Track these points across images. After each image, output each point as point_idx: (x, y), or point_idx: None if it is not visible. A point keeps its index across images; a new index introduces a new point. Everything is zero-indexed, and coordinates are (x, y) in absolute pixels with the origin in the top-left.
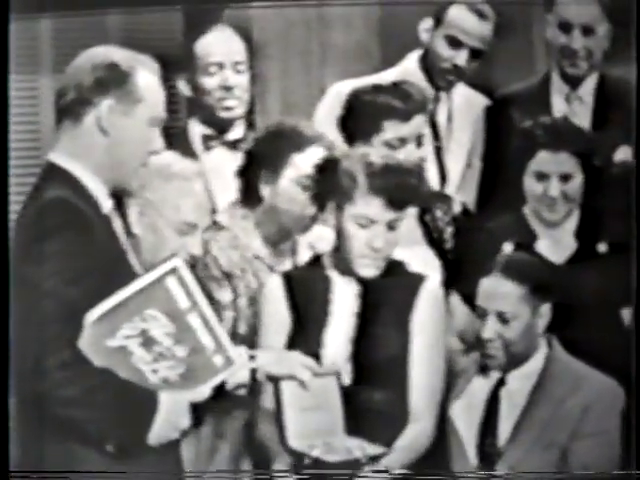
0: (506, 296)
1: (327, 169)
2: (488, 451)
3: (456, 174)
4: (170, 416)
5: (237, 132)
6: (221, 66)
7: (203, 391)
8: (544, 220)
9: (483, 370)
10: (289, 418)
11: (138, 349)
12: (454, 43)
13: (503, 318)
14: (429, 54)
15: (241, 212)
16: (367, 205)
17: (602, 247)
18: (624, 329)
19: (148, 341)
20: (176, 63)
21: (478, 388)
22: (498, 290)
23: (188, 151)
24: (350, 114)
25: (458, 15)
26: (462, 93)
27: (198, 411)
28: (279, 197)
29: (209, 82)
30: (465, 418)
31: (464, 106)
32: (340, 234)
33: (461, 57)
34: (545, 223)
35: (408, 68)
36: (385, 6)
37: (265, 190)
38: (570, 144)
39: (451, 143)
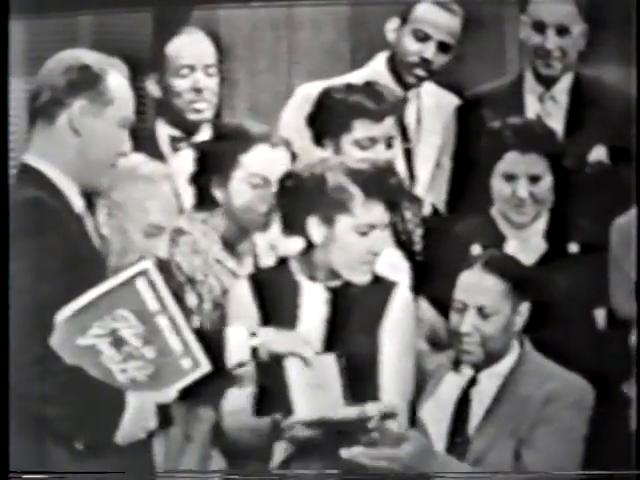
0: (488, 290)
1: (295, 185)
2: (457, 450)
3: (425, 175)
4: (137, 416)
5: (204, 134)
6: (192, 68)
7: (170, 393)
8: (512, 222)
9: (456, 366)
10: (296, 395)
11: (108, 348)
12: (421, 37)
13: (483, 313)
14: (397, 53)
15: (200, 216)
16: (368, 213)
17: (573, 247)
18: (597, 330)
19: (118, 341)
20: (144, 64)
21: (447, 389)
22: (480, 284)
23: (155, 152)
24: (320, 111)
25: (425, 10)
26: (431, 93)
27: (165, 413)
28: (232, 199)
29: (180, 84)
30: (434, 419)
31: (434, 106)
32: (329, 245)
33: (429, 50)
34: (513, 225)
35: (376, 69)
36: (354, 6)
37: (217, 193)
38: (539, 145)
39: (420, 144)
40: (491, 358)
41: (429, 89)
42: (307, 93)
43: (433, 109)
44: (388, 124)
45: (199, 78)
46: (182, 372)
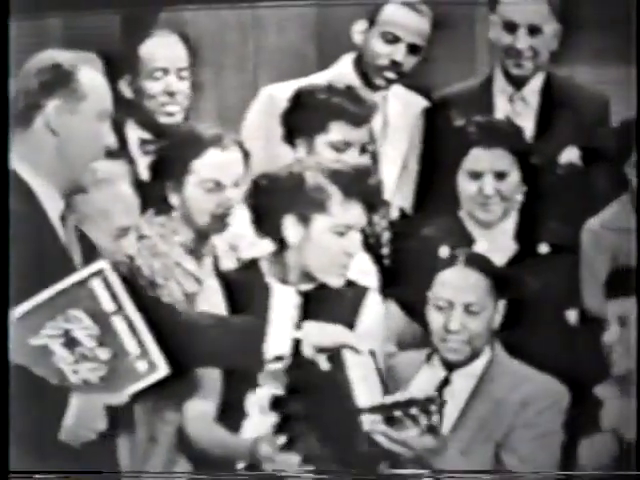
0: (474, 287)
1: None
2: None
3: (392, 178)
4: (85, 417)
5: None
6: (166, 71)
7: (122, 396)
8: (479, 221)
9: (430, 366)
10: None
11: (60, 349)
12: (390, 39)
13: (470, 310)
14: (365, 55)
15: (159, 220)
16: (345, 213)
17: (544, 248)
18: (569, 330)
19: (70, 341)
20: (115, 65)
21: (418, 390)
22: (465, 281)
23: (124, 154)
24: (296, 110)
25: (393, 12)
26: (399, 96)
27: (116, 415)
28: (187, 204)
29: (153, 86)
30: None
31: (401, 108)
32: (304, 245)
33: (399, 52)
34: (480, 224)
35: (342, 70)
36: (320, 8)
37: (173, 199)
38: (504, 141)
39: (387, 146)
40: (471, 357)
41: (397, 91)
42: (271, 94)
43: (400, 111)
44: (365, 130)
45: (172, 81)
46: (137, 375)
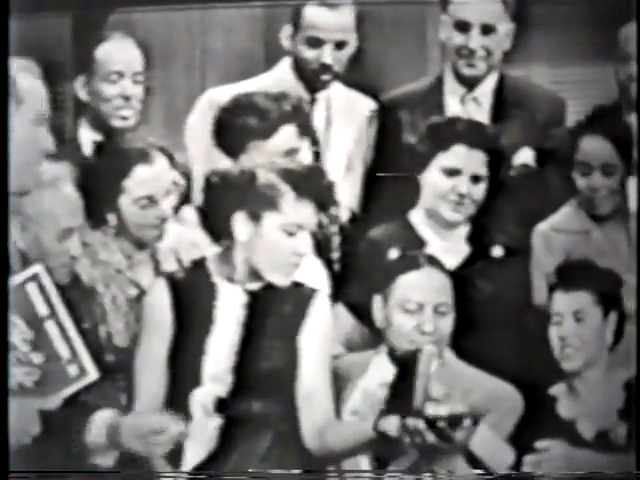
0: (443, 288)
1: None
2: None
3: (336, 179)
4: (21, 421)
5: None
6: (121, 75)
7: (54, 400)
8: (443, 220)
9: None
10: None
11: None
12: (315, 43)
13: (439, 311)
14: (298, 60)
15: (96, 233)
16: (297, 212)
17: (497, 251)
18: (521, 332)
19: None
20: (67, 67)
21: (368, 389)
22: (433, 282)
23: (77, 156)
24: (219, 136)
25: (313, 15)
26: (342, 95)
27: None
28: (124, 221)
29: (109, 90)
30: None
31: (344, 109)
32: (253, 243)
33: (326, 55)
34: (442, 224)
35: (282, 73)
36: (268, 9)
37: (109, 217)
38: (486, 144)
39: (330, 147)
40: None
41: (339, 91)
42: (211, 98)
43: (344, 111)
44: (283, 135)
45: (127, 85)
46: (68, 379)
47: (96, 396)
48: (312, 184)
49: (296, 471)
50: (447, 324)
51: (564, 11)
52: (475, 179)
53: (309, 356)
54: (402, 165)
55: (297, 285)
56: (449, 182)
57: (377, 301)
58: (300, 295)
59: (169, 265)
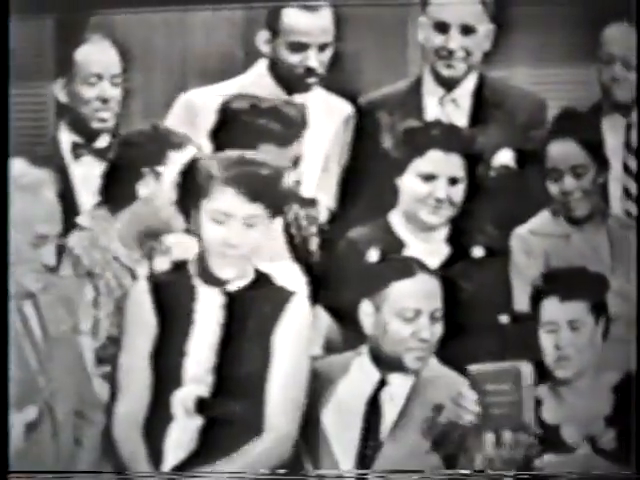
0: (437, 295)
1: (189, 171)
2: (368, 453)
3: (312, 181)
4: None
5: (104, 140)
6: (100, 77)
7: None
8: (422, 223)
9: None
10: None
11: None
12: (298, 47)
13: (434, 317)
14: (278, 66)
15: (102, 214)
16: (223, 197)
17: (478, 252)
18: (502, 335)
19: None
20: (47, 69)
21: (349, 393)
22: (430, 289)
23: (56, 158)
24: (223, 129)
25: (291, 18)
26: (320, 99)
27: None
28: (156, 195)
29: (88, 92)
30: (336, 422)
31: (322, 112)
32: (199, 236)
33: (311, 59)
34: (422, 227)
35: (259, 75)
36: (248, 10)
37: (144, 189)
38: (462, 146)
39: (308, 149)
40: None
41: (317, 94)
42: (189, 100)
43: (321, 115)
44: (295, 148)
45: (106, 88)
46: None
47: None
48: (241, 171)
49: (283, 471)
50: (439, 329)
51: (545, 12)
52: (453, 181)
53: (282, 359)
54: (380, 168)
55: (277, 287)
56: (426, 187)
57: (366, 306)
58: (280, 297)
59: (163, 263)
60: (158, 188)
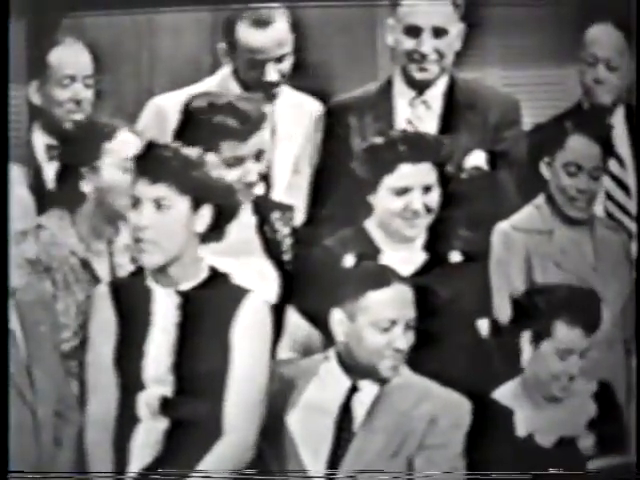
0: (411, 304)
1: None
2: (335, 459)
3: (282, 182)
4: None
5: None
6: (73, 79)
7: None
8: (400, 236)
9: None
10: None
11: None
12: (254, 64)
13: (409, 325)
14: (240, 71)
15: (59, 213)
16: (137, 184)
17: (455, 257)
18: (480, 341)
19: None
20: (20, 71)
21: (318, 398)
22: (404, 298)
23: (31, 160)
24: (185, 131)
25: (245, 36)
26: (288, 98)
27: None
28: (103, 185)
29: (61, 94)
30: (304, 426)
31: (291, 112)
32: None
33: (269, 72)
34: (400, 239)
35: (224, 80)
36: (215, 12)
37: (88, 185)
38: (430, 154)
39: (276, 150)
40: None
41: (285, 94)
42: (158, 105)
43: (291, 114)
44: (255, 141)
45: (79, 89)
46: None
47: None
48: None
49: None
50: (412, 338)
51: (520, 13)
52: (426, 189)
53: (239, 358)
54: (351, 172)
55: (234, 286)
56: (401, 201)
57: (337, 314)
58: (236, 296)
59: (123, 259)
60: (99, 182)
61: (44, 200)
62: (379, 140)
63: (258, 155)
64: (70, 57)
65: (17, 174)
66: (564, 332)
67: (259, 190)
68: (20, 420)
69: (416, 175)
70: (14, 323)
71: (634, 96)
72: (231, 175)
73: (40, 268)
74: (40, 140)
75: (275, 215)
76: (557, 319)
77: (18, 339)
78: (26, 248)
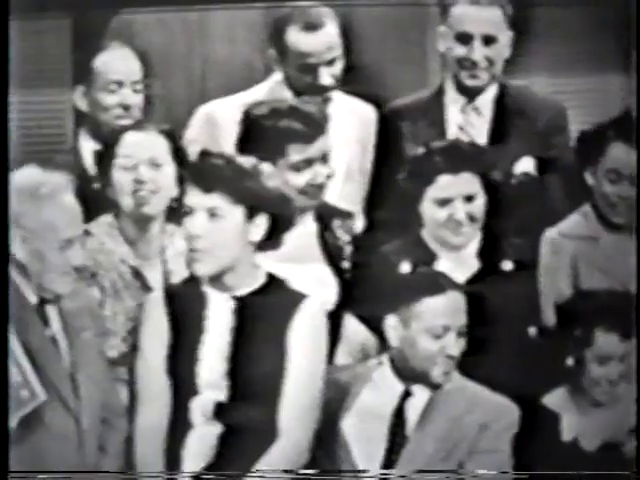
0: (462, 310)
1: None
2: (388, 463)
3: (335, 188)
4: None
5: None
6: (121, 84)
7: (10, 422)
8: (448, 244)
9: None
10: None
11: None
12: (307, 68)
13: (460, 332)
14: (292, 77)
15: (106, 220)
16: (191, 193)
17: (507, 265)
18: (529, 347)
19: None
20: (65, 76)
21: (372, 403)
22: (457, 305)
23: (77, 166)
24: (249, 139)
25: (295, 41)
26: (342, 103)
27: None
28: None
29: (109, 99)
30: (358, 431)
31: (345, 117)
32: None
33: (323, 77)
34: (448, 247)
35: (275, 86)
36: (267, 17)
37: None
38: (470, 164)
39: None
40: None
41: (338, 99)
42: (207, 113)
43: (343, 120)
44: (321, 143)
45: (127, 94)
46: (21, 402)
47: None
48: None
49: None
50: (463, 344)
51: (567, 20)
52: (469, 199)
53: (296, 363)
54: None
55: (290, 291)
56: (444, 211)
57: (391, 320)
58: (293, 301)
59: (176, 265)
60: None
61: (91, 207)
62: (419, 152)
63: (324, 157)
64: (117, 62)
65: (62, 181)
66: (603, 337)
67: (329, 192)
68: (62, 428)
69: (456, 185)
70: (57, 330)
71: None
72: (300, 179)
73: (87, 275)
74: (87, 146)
75: (336, 222)
76: (597, 325)
77: (61, 346)
78: (72, 255)
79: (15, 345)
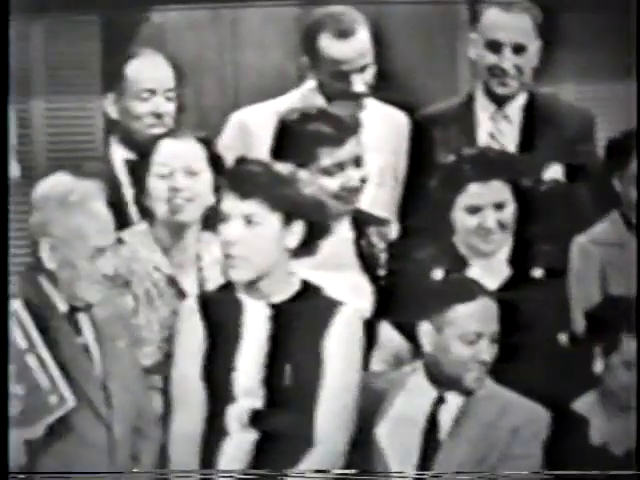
0: (494, 317)
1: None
2: (422, 469)
3: (367, 194)
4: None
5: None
6: (153, 92)
7: (37, 429)
8: (478, 251)
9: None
10: None
11: None
12: (339, 75)
13: (494, 339)
14: (325, 84)
15: (139, 228)
16: (227, 200)
17: (537, 272)
18: (559, 353)
19: None
20: (95, 83)
21: (406, 409)
22: (490, 312)
23: (109, 174)
24: (282, 144)
25: (328, 48)
26: (375, 110)
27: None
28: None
29: (141, 107)
30: (392, 437)
31: (378, 123)
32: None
33: (357, 84)
34: (479, 254)
35: (309, 93)
36: (300, 24)
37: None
38: (499, 172)
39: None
40: None
41: (371, 105)
42: (240, 120)
43: (375, 126)
44: (351, 145)
45: (160, 103)
46: (49, 408)
47: None
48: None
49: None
50: (495, 350)
51: (594, 27)
52: (498, 207)
53: (332, 370)
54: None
55: (325, 298)
56: (474, 219)
57: (425, 326)
58: (328, 308)
59: (213, 272)
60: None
61: (123, 215)
62: (449, 160)
63: (357, 161)
64: (149, 70)
65: (92, 189)
66: (628, 343)
67: (363, 196)
68: (94, 436)
69: (486, 193)
70: (89, 339)
71: None
72: (333, 183)
73: (119, 283)
74: (118, 153)
75: (372, 229)
76: (625, 330)
77: (93, 355)
78: (103, 264)
79: (44, 352)
